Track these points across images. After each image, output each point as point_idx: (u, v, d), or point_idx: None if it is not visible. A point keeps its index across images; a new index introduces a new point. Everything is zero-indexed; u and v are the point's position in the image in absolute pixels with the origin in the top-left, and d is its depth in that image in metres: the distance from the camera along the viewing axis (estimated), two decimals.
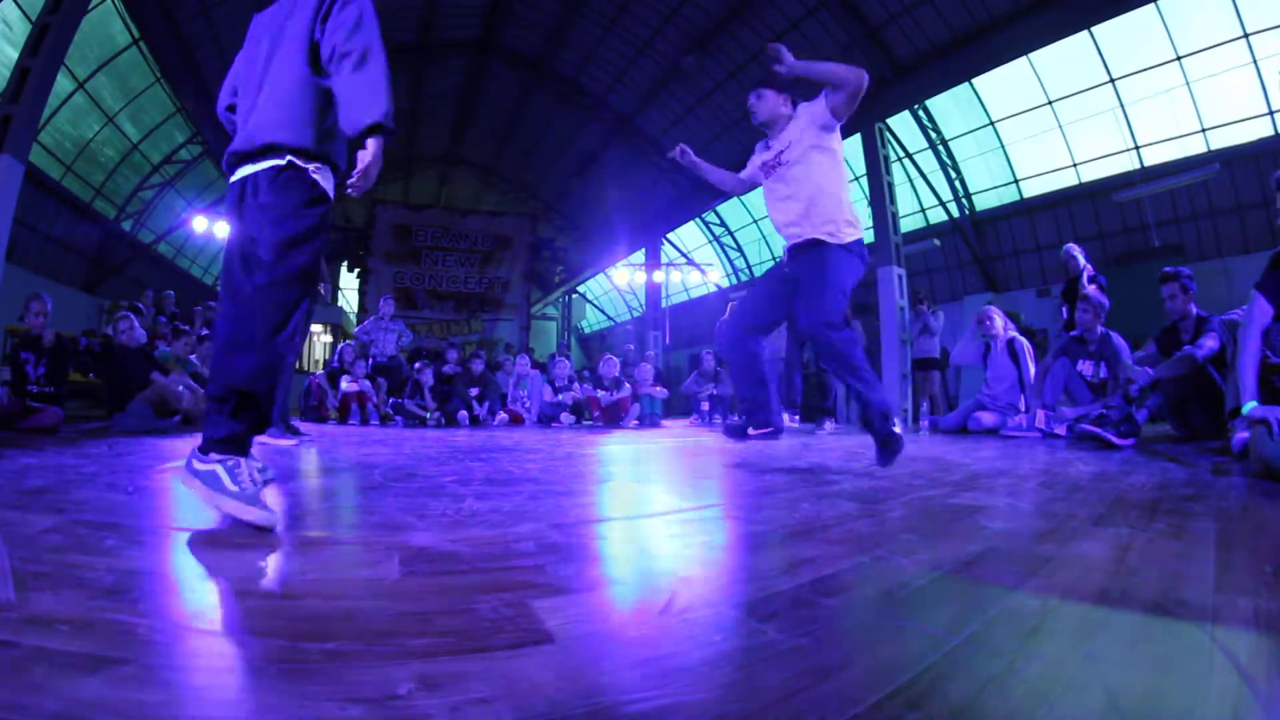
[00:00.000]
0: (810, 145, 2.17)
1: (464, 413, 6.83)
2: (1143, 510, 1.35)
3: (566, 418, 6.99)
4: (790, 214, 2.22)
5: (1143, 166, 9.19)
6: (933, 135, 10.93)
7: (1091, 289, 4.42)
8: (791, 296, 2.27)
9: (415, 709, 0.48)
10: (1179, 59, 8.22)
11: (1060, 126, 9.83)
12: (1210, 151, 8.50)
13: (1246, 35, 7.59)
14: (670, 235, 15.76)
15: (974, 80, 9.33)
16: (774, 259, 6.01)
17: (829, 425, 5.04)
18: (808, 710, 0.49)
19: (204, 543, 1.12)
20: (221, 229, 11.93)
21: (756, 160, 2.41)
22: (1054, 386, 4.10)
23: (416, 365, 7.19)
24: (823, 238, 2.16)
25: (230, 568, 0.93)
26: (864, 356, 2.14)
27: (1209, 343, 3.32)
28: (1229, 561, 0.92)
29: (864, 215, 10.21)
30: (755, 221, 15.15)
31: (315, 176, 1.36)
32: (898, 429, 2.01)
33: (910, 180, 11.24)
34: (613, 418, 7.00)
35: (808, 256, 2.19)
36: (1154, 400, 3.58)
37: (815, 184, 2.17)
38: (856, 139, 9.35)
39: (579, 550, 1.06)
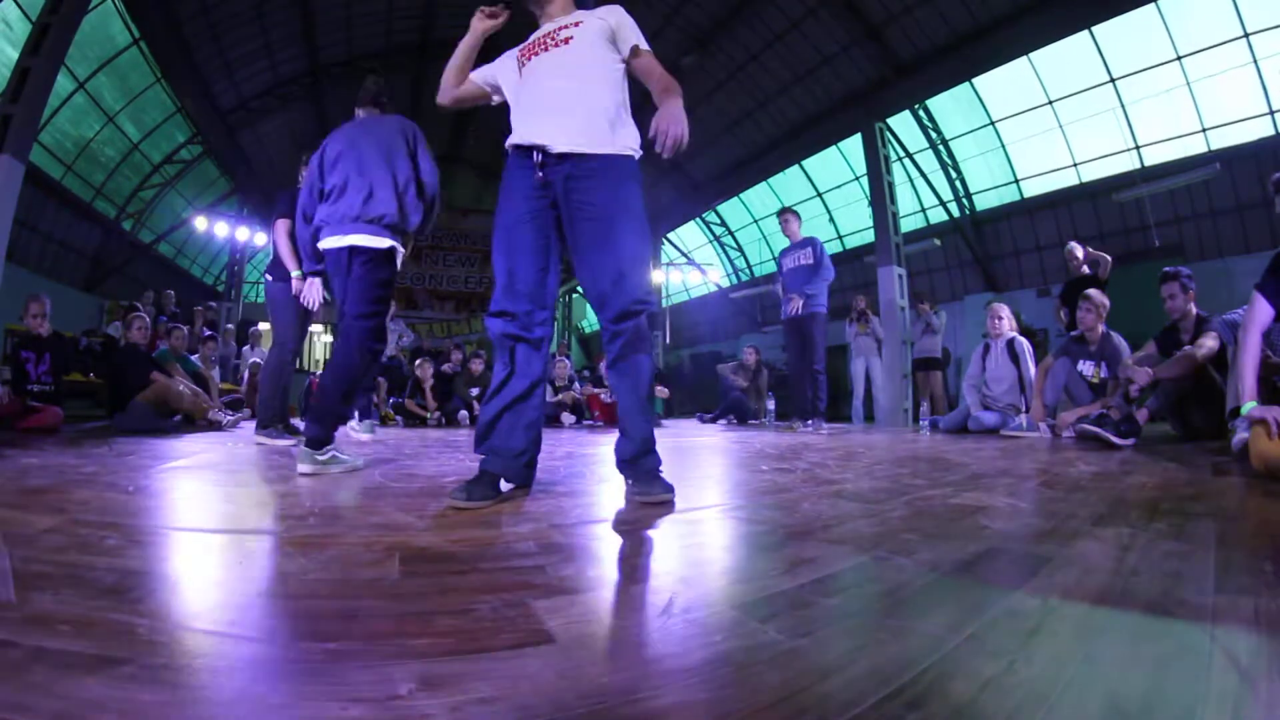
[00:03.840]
0: (596, 45, 1.62)
1: (464, 413, 6.83)
2: (1143, 510, 1.35)
3: (567, 418, 6.99)
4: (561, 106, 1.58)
5: (1143, 166, 9.19)
6: (933, 135, 10.93)
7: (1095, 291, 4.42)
8: (551, 236, 1.61)
9: (416, 709, 0.48)
10: (1179, 59, 8.22)
11: (1060, 126, 9.84)
12: (1210, 151, 8.50)
13: (1246, 35, 7.60)
14: (670, 235, 15.77)
15: (974, 80, 9.34)
16: (774, 259, 5.87)
17: (817, 424, 5.05)
18: (808, 710, 0.49)
19: (205, 543, 1.12)
20: (221, 228, 11.96)
21: (511, 67, 1.71)
22: (1054, 386, 4.11)
23: (417, 363, 7.20)
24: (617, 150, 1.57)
25: (231, 567, 0.93)
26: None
27: (1209, 343, 3.32)
28: (1229, 561, 0.92)
29: (864, 215, 10.25)
30: (755, 221, 15.15)
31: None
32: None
33: (910, 180, 11.25)
34: (613, 417, 6.99)
35: (578, 163, 1.55)
36: (1154, 400, 3.58)
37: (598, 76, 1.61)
38: (857, 139, 9.36)
39: (579, 550, 1.06)
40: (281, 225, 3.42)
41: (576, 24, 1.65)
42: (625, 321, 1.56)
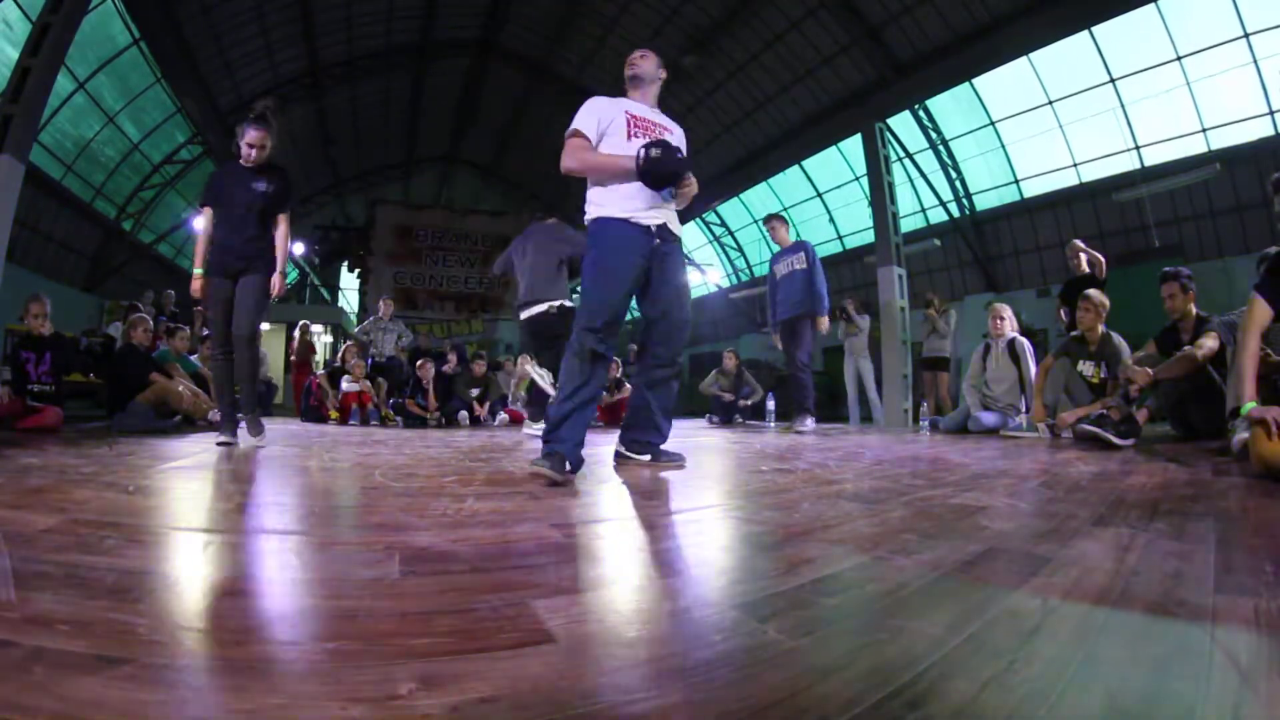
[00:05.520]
0: None
1: (464, 413, 6.83)
2: (1143, 510, 1.35)
3: None
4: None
5: (1143, 166, 9.19)
6: (933, 135, 10.93)
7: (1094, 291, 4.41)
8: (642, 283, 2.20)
9: (416, 709, 0.48)
10: (1179, 59, 8.22)
11: (1060, 126, 9.84)
12: (1210, 151, 8.50)
13: (1246, 35, 7.60)
14: None
15: (974, 80, 9.33)
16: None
17: (809, 423, 5.03)
18: (808, 710, 0.49)
19: (204, 543, 1.12)
20: None
21: (621, 123, 2.19)
22: (1054, 386, 4.10)
23: (419, 363, 7.19)
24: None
25: (230, 567, 0.93)
26: None
27: (1209, 343, 3.31)
28: (1229, 561, 0.92)
29: (864, 215, 10.25)
30: (755, 221, 15.15)
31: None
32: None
33: (910, 180, 11.25)
34: (613, 418, 6.99)
35: (673, 244, 2.24)
36: (1154, 400, 3.58)
37: None
38: (857, 139, 9.35)
39: (579, 550, 1.06)
40: (206, 214, 3.03)
41: (668, 130, 2.27)
42: (672, 365, 2.27)
